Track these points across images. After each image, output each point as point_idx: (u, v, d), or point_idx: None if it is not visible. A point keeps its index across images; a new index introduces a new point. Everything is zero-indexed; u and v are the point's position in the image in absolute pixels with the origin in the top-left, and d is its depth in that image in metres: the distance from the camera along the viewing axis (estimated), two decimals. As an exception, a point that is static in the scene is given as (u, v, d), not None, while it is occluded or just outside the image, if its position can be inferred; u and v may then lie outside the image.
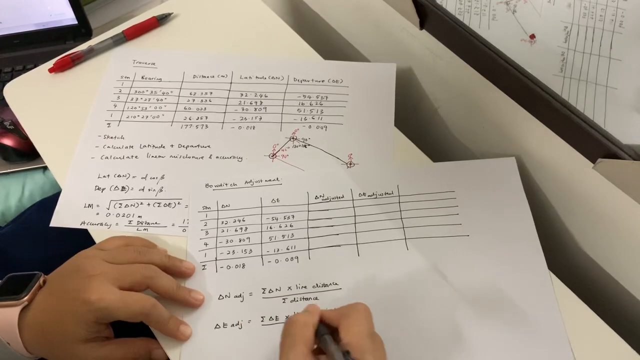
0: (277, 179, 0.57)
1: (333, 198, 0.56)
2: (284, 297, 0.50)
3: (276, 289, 0.50)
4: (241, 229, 0.54)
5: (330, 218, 0.54)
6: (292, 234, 0.54)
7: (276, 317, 0.49)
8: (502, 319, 0.48)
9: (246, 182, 0.57)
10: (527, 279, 0.50)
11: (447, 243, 0.52)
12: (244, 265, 0.52)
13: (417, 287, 0.50)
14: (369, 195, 0.56)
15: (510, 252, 0.51)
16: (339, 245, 0.53)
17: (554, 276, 0.50)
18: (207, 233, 0.54)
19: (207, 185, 0.57)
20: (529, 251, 0.51)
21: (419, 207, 0.55)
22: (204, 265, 0.52)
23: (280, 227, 0.54)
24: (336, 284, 0.51)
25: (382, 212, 0.54)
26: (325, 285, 0.51)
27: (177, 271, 0.50)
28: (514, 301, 0.49)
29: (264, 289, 0.50)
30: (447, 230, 0.53)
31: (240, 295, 0.50)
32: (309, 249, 0.53)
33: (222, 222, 0.55)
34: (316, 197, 0.56)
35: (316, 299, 0.50)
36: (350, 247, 0.53)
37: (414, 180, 0.56)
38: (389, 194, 0.56)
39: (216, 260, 0.52)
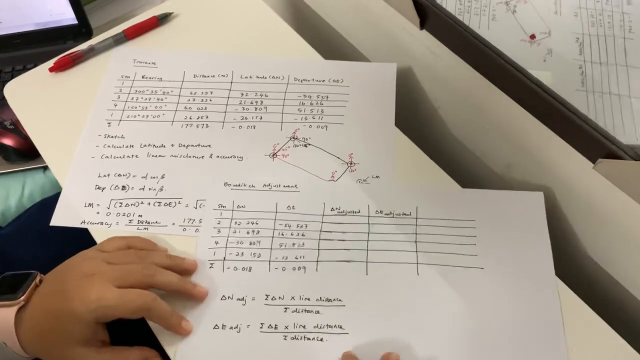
0: (296, 185, 0.56)
1: (349, 212, 0.54)
2: (285, 307, 0.49)
3: (279, 297, 0.50)
4: (253, 231, 0.53)
5: (344, 232, 0.53)
6: (303, 243, 0.53)
7: (275, 325, 0.48)
8: (509, 356, 0.46)
9: (264, 185, 0.56)
10: (539, 323, 0.47)
11: (460, 274, 0.50)
12: (250, 269, 0.51)
13: (422, 313, 0.48)
14: (385, 214, 0.54)
15: (524, 291, 0.49)
16: (349, 261, 0.51)
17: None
18: (219, 232, 0.54)
19: (225, 184, 0.56)
20: (543, 293, 0.49)
21: (435, 233, 0.52)
22: (211, 264, 0.52)
23: (292, 234, 0.53)
24: (340, 300, 0.49)
25: (397, 233, 0.53)
26: (329, 300, 0.49)
27: (180, 269, 0.50)
28: (522, 340, 0.47)
29: (267, 295, 0.50)
30: (461, 260, 0.51)
31: (243, 299, 0.50)
32: (317, 261, 0.52)
33: (236, 223, 0.54)
34: (332, 209, 0.54)
35: (318, 312, 0.49)
36: (360, 265, 0.51)
37: (434, 203, 0.54)
38: (407, 214, 0.54)
39: (224, 260, 0.52)
